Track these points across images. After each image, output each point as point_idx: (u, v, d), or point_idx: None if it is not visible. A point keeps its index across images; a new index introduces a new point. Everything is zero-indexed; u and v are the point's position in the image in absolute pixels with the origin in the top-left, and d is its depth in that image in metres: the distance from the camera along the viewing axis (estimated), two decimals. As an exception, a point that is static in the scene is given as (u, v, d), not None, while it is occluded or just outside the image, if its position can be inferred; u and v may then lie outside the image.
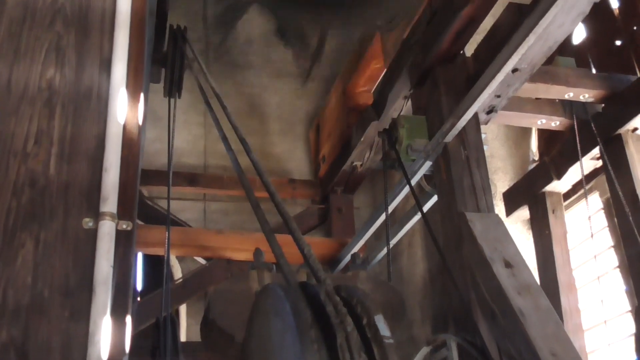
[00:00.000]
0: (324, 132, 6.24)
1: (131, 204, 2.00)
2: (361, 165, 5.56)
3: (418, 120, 4.16)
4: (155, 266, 5.26)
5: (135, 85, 2.19)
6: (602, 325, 4.28)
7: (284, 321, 1.39)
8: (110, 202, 1.91)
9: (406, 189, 4.24)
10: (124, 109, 2.12)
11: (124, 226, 1.96)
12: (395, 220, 4.97)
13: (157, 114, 5.39)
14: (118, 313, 1.83)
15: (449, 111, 3.89)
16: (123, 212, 1.96)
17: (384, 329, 1.38)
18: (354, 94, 5.92)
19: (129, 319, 1.87)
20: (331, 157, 5.94)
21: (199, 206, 6.08)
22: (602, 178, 4.26)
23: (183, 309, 5.62)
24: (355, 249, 5.14)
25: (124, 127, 2.09)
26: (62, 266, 1.83)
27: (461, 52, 4.11)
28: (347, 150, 5.54)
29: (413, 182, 4.08)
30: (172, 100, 4.46)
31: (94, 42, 2.23)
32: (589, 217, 4.20)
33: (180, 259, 5.85)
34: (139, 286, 5.23)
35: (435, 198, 4.11)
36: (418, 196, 4.06)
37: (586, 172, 4.22)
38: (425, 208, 4.16)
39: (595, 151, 4.11)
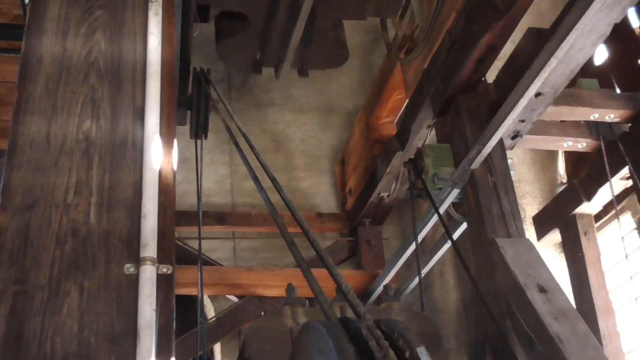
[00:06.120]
0: (349, 165, 6.27)
1: (170, 249, 2.04)
2: (388, 196, 5.57)
3: (443, 149, 4.18)
4: (184, 306, 5.29)
5: (168, 132, 2.25)
6: (643, 348, 4.20)
7: (328, 358, 1.40)
8: (150, 247, 1.96)
9: (435, 218, 4.24)
10: (159, 156, 2.18)
11: (165, 270, 2.00)
12: (425, 250, 4.95)
13: (184, 156, 5.47)
14: (163, 356, 1.86)
15: (473, 138, 3.90)
16: (163, 256, 2.01)
17: (427, 362, 1.39)
18: (377, 125, 5.95)
19: (173, 362, 1.90)
20: (358, 189, 5.96)
21: (228, 245, 6.12)
22: (634, 198, 4.23)
23: (217, 348, 5.63)
24: (387, 280, 5.12)
25: (160, 173, 2.15)
26: (106, 313, 1.88)
27: (482, 79, 4.14)
28: (373, 182, 5.55)
29: (441, 210, 4.08)
30: (198, 141, 4.54)
31: (127, 93, 2.31)
32: (622, 238, 4.15)
33: (212, 298, 5.88)
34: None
35: (464, 225, 4.10)
36: (447, 224, 4.05)
37: (616, 192, 4.19)
38: (455, 236, 4.14)
39: (625, 171, 4.08)
